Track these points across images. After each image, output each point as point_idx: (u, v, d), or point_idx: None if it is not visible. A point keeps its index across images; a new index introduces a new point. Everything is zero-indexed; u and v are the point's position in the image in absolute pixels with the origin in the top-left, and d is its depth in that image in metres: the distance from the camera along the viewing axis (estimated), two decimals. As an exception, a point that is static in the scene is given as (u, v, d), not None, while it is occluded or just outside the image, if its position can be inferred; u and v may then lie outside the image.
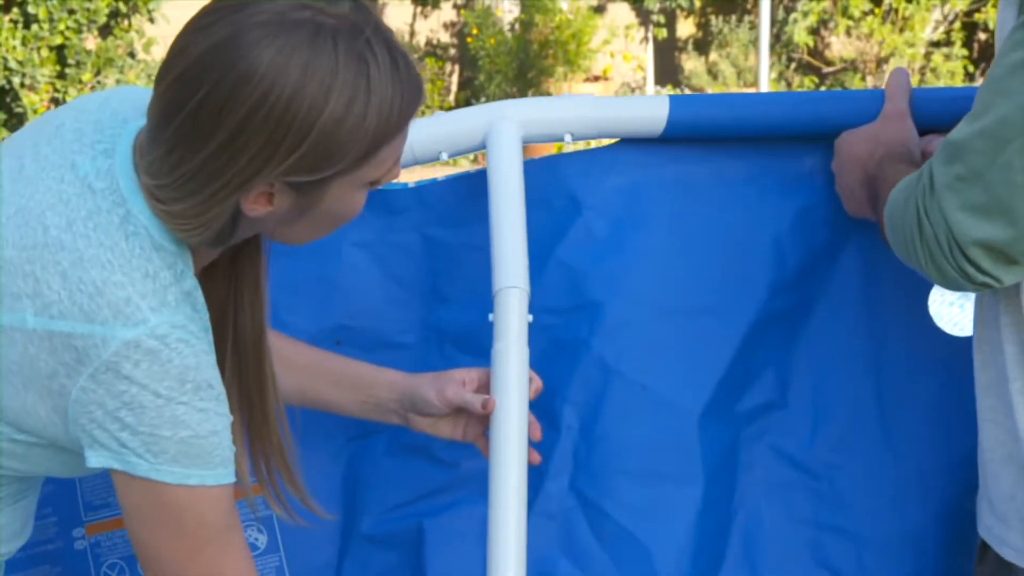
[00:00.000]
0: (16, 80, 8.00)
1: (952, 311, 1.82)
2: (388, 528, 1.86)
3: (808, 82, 11.04)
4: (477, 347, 1.79)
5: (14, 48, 8.02)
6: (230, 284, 1.48)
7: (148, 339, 1.30)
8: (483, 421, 1.67)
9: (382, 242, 1.84)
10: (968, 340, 1.60)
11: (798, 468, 1.83)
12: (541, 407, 1.72)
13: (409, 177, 1.79)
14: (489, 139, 1.76)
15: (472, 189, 1.82)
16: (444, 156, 1.79)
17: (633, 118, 1.78)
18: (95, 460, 1.34)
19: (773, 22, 11.18)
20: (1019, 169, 1.35)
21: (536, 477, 1.68)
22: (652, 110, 1.77)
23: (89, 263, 1.31)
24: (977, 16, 11.34)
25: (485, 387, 1.65)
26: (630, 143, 1.81)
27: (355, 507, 1.87)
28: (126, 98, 1.43)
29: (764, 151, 1.80)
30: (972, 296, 1.58)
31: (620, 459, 1.79)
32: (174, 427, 1.32)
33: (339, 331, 1.86)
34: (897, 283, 1.81)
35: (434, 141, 1.78)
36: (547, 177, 1.82)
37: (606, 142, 1.84)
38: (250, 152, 1.28)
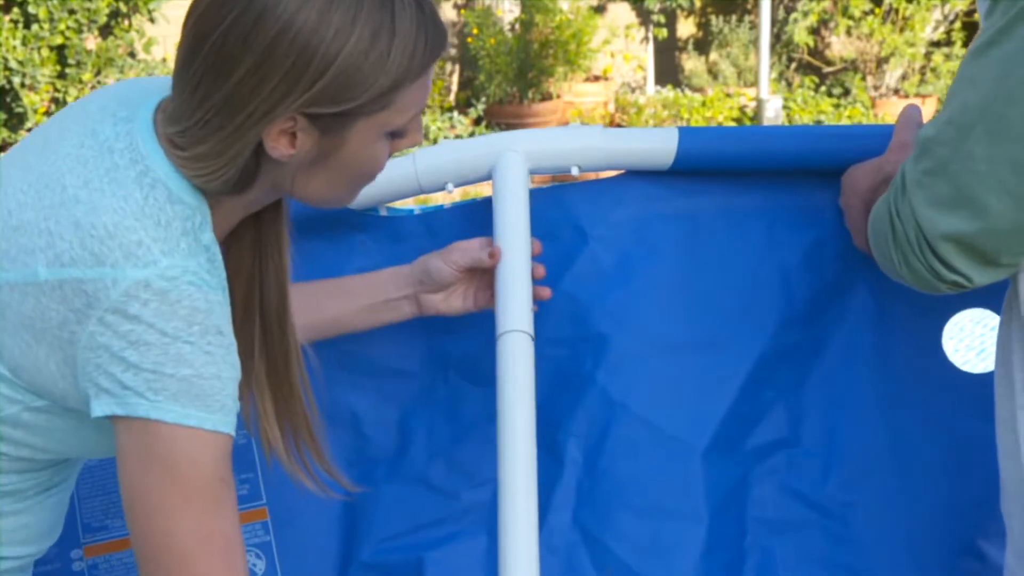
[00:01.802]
0: (16, 80, 7.98)
1: (968, 347, 1.80)
2: (387, 558, 1.85)
3: (808, 82, 11.02)
4: (482, 375, 1.79)
5: (14, 48, 8.00)
6: (255, 253, 1.50)
7: (158, 280, 1.30)
8: (490, 283, 1.72)
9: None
10: (983, 377, 1.59)
11: (811, 507, 1.82)
12: (544, 440, 1.72)
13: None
14: (496, 171, 1.75)
15: (479, 218, 1.81)
16: (450, 187, 1.78)
17: (642, 150, 1.77)
18: (98, 409, 1.33)
19: (773, 22, 11.16)
20: (981, 158, 1.33)
21: (539, 511, 1.67)
22: (661, 142, 1.76)
23: (102, 211, 1.32)
24: (977, 16, 11.32)
25: (487, 247, 1.71)
26: (638, 174, 1.80)
27: (354, 535, 1.86)
28: (156, 80, 1.46)
29: (773, 185, 1.79)
30: (990, 334, 1.57)
31: (623, 494, 1.79)
32: (177, 365, 1.31)
33: (342, 357, 1.86)
34: (910, 319, 1.80)
35: (440, 171, 1.77)
36: (554, 207, 1.81)
37: (613, 173, 1.83)
38: (275, 79, 1.30)
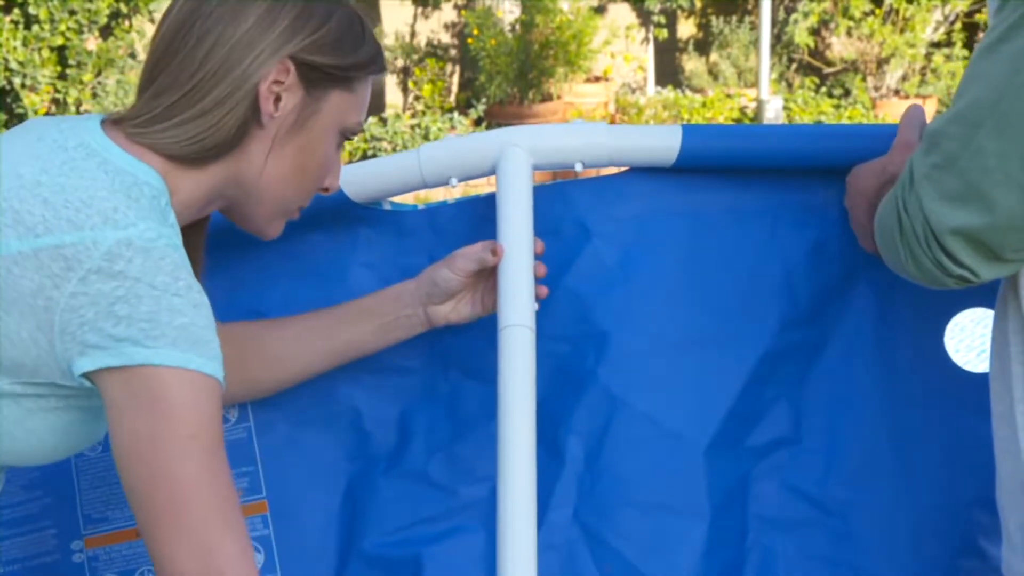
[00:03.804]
0: (17, 81, 7.99)
1: (969, 346, 1.81)
2: (386, 553, 1.85)
3: (809, 82, 11.03)
4: (483, 373, 1.79)
5: (15, 49, 8.01)
6: None
7: (138, 239, 1.32)
8: (495, 286, 1.73)
9: (391, 264, 1.84)
10: (984, 376, 1.59)
11: (812, 504, 1.82)
12: (546, 437, 1.72)
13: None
14: (499, 166, 1.74)
15: (483, 213, 1.81)
16: (454, 181, 1.78)
17: (645, 147, 1.76)
18: (87, 364, 1.33)
19: (774, 23, 11.18)
20: (991, 153, 1.33)
21: (540, 508, 1.67)
22: (665, 140, 1.75)
23: (71, 189, 1.35)
24: (978, 16, 11.34)
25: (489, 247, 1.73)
26: (642, 171, 1.79)
27: (353, 529, 1.86)
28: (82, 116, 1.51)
29: (777, 183, 1.78)
30: (990, 333, 1.57)
31: (625, 491, 1.78)
32: (172, 314, 1.33)
33: None
34: (912, 318, 1.80)
35: (444, 166, 1.77)
36: (557, 203, 1.80)
37: (617, 169, 1.83)
38: (286, 20, 1.44)
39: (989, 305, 1.76)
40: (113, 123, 1.45)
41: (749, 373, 1.79)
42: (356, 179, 1.78)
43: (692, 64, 11.39)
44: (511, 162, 1.74)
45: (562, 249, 1.80)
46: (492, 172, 1.77)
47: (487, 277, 1.74)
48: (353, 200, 1.78)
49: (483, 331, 1.76)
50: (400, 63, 10.52)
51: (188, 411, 1.35)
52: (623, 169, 1.82)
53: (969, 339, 1.79)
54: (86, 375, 1.35)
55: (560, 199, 1.81)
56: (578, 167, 1.77)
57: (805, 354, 1.81)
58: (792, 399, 1.82)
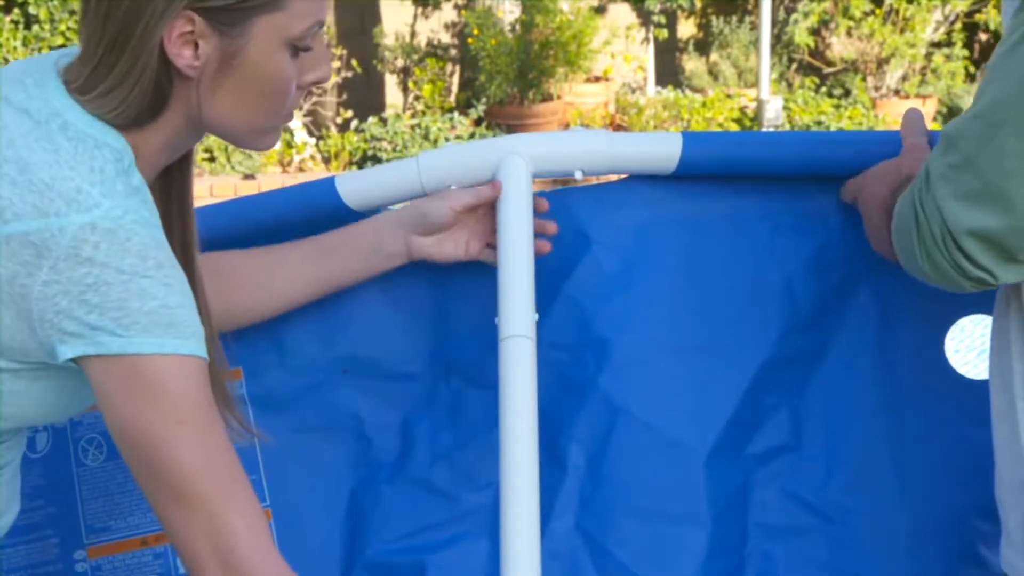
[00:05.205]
0: (16, 81, 7.98)
1: (970, 353, 1.81)
2: (390, 561, 1.85)
3: (809, 82, 11.03)
4: (485, 379, 1.79)
5: (15, 49, 8.00)
6: (163, 208, 1.48)
7: (103, 220, 1.32)
8: (485, 234, 1.75)
9: (390, 271, 1.84)
10: (986, 383, 1.59)
11: (812, 512, 1.82)
12: (547, 445, 1.72)
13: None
14: (499, 174, 1.75)
15: None
16: (453, 189, 1.79)
17: (646, 155, 1.77)
18: (67, 352, 1.34)
19: (774, 23, 11.17)
20: (1011, 154, 1.32)
21: (542, 516, 1.67)
22: (665, 147, 1.76)
23: (36, 166, 1.33)
24: (978, 16, 11.33)
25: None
26: (642, 179, 1.80)
27: (357, 537, 1.87)
28: (57, 51, 1.47)
29: (777, 190, 1.79)
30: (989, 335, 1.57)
31: (626, 499, 1.78)
32: (142, 299, 1.32)
33: (346, 360, 1.86)
34: (913, 325, 1.80)
35: (443, 174, 1.77)
36: (557, 211, 1.80)
37: (617, 176, 1.83)
38: None
39: (990, 312, 1.76)
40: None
41: (750, 381, 1.79)
42: (355, 188, 1.78)
43: (692, 64, 11.38)
44: (511, 170, 1.74)
45: (562, 256, 1.80)
46: (492, 180, 1.77)
47: (477, 220, 1.75)
48: (353, 209, 1.78)
49: (484, 338, 1.76)
50: (400, 63, 10.51)
51: (171, 396, 1.35)
52: (623, 176, 1.82)
53: (970, 343, 1.79)
54: (70, 359, 1.35)
55: (560, 205, 1.81)
56: (578, 175, 1.77)
57: (805, 361, 1.82)
58: (792, 406, 1.82)
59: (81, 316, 1.32)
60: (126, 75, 1.37)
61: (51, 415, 1.49)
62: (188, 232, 1.52)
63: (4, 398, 1.42)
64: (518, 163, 1.74)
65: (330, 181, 1.78)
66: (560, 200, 1.81)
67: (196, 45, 1.37)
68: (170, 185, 1.51)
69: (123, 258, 1.32)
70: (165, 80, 1.39)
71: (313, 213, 1.78)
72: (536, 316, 1.68)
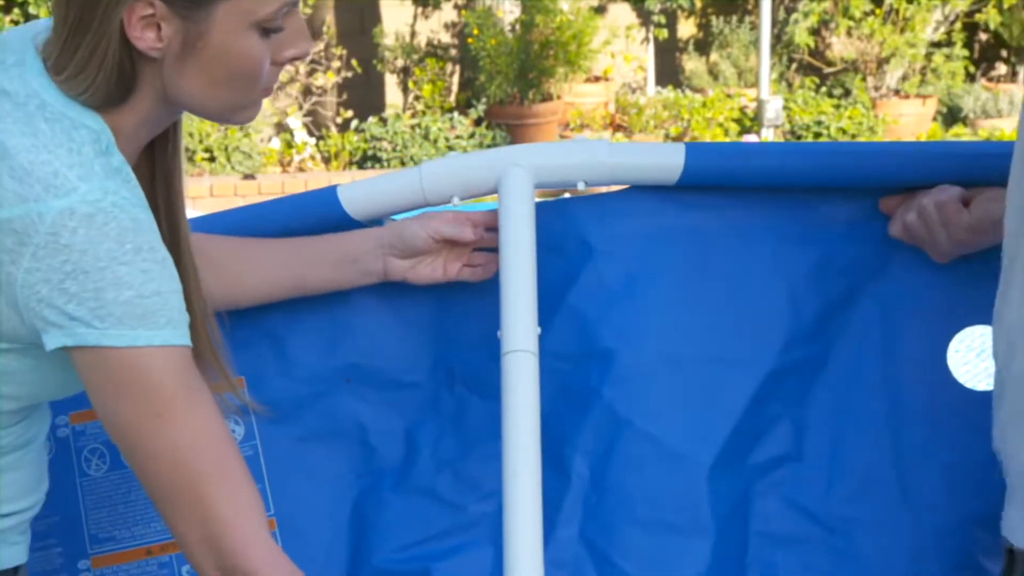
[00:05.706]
0: (17, 81, 7.99)
1: (973, 364, 1.81)
2: (395, 568, 1.85)
3: (809, 82, 11.02)
4: (487, 388, 1.79)
5: (15, 49, 8.00)
6: (150, 184, 1.49)
7: (81, 205, 1.32)
8: (462, 255, 1.75)
9: (393, 281, 1.84)
10: (988, 394, 1.59)
11: (814, 521, 1.82)
12: (551, 455, 1.72)
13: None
14: (501, 186, 1.75)
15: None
16: (456, 200, 1.79)
17: (648, 166, 1.77)
18: (50, 342, 1.35)
19: (774, 23, 11.16)
20: None
21: (547, 525, 1.67)
22: (668, 158, 1.76)
23: (14, 151, 1.34)
24: (978, 16, 11.33)
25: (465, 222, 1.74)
26: (645, 189, 1.79)
27: (362, 545, 1.87)
28: (38, 22, 1.47)
29: (780, 200, 1.79)
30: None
31: (630, 509, 1.78)
32: (117, 288, 1.33)
33: (348, 369, 1.87)
34: (916, 335, 1.80)
35: (445, 185, 1.77)
36: (559, 221, 1.81)
37: (620, 186, 1.84)
38: None
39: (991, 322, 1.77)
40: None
41: (753, 391, 1.79)
42: (357, 197, 1.78)
43: (692, 64, 11.37)
44: (513, 182, 1.74)
45: (564, 266, 1.80)
46: (494, 191, 1.78)
47: (452, 246, 1.75)
48: (354, 218, 1.78)
49: (487, 346, 1.76)
50: (400, 63, 10.50)
51: (148, 390, 1.35)
52: (626, 187, 1.82)
53: (973, 356, 1.79)
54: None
55: (562, 215, 1.81)
56: (580, 186, 1.77)
57: (808, 371, 1.82)
58: (794, 416, 1.82)
59: (60, 305, 1.33)
60: (90, 57, 1.37)
61: (68, 388, 1.48)
62: (175, 211, 1.51)
63: (16, 376, 1.43)
64: (520, 175, 1.74)
65: (332, 190, 1.79)
66: (562, 210, 1.82)
67: (159, 27, 1.36)
68: (153, 165, 1.51)
69: (101, 243, 1.32)
70: (128, 62, 1.38)
71: (315, 222, 1.78)
72: (539, 330, 1.68)
